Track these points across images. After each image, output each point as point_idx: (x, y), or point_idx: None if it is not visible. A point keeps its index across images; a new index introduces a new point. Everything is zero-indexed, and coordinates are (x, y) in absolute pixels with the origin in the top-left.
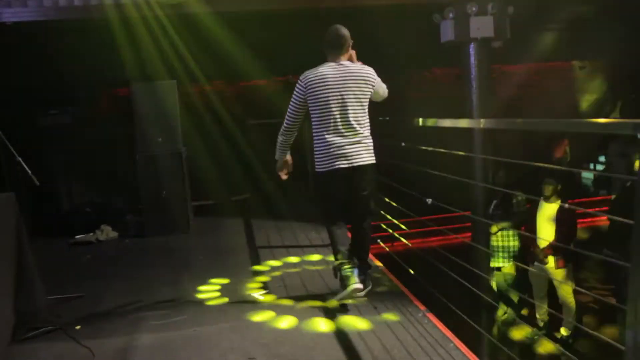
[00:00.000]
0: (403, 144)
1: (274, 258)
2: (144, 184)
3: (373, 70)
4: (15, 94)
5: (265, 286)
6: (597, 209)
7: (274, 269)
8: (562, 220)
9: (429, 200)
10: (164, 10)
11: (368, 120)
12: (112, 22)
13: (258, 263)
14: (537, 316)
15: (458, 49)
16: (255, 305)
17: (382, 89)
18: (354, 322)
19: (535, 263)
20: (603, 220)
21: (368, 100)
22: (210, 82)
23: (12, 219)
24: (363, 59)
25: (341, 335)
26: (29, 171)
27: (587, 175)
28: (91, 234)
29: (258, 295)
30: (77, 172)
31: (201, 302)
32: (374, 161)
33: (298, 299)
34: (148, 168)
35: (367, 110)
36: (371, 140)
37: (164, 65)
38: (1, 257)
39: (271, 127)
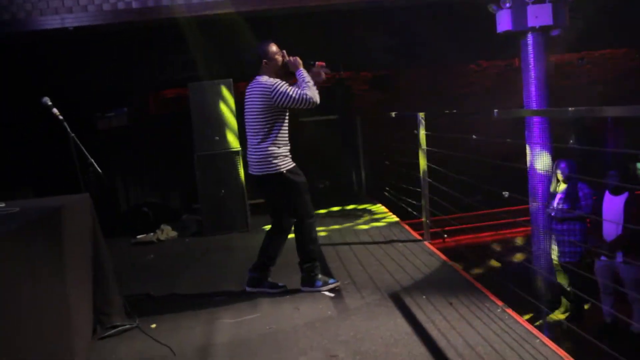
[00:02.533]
0: (474, 136)
1: (337, 255)
2: (202, 183)
3: (274, 84)
4: (75, 98)
5: (334, 283)
6: None
7: (338, 265)
8: (631, 212)
9: (506, 194)
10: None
11: (267, 132)
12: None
13: (322, 259)
14: (603, 312)
15: (507, 40)
16: (327, 301)
17: (286, 99)
18: (432, 318)
19: (602, 257)
20: None
21: (265, 112)
22: None
23: (89, 219)
24: (407, 53)
25: (421, 331)
26: (100, 172)
27: None
28: (152, 233)
29: (328, 292)
30: (134, 173)
31: (272, 299)
32: (270, 172)
33: (368, 294)
34: (206, 167)
35: (265, 122)
36: (267, 152)
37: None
38: (80, 257)
39: (322, 124)
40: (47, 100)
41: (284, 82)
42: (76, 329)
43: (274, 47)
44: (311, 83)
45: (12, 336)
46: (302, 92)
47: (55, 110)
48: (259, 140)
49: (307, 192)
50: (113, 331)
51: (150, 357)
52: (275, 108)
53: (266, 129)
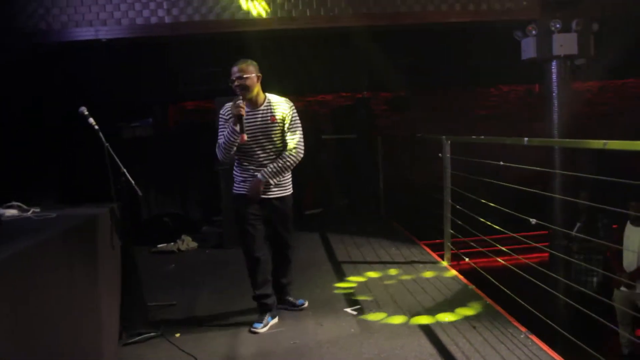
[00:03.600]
0: (501, 162)
1: (358, 274)
2: (225, 196)
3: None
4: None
5: (356, 302)
6: None
7: (360, 284)
8: None
9: (533, 221)
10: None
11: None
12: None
13: (342, 278)
14: (621, 342)
15: (528, 66)
16: (350, 319)
17: None
18: (456, 340)
19: (622, 288)
20: None
21: None
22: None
23: (119, 227)
24: (426, 74)
25: (445, 353)
26: (133, 182)
27: None
28: (172, 243)
29: (351, 310)
30: (156, 183)
31: (295, 314)
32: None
33: (391, 313)
34: (229, 180)
35: None
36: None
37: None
38: (111, 264)
39: (342, 143)
40: (84, 110)
41: (225, 111)
42: (106, 334)
43: (233, 70)
44: (225, 146)
45: (50, 339)
46: (217, 143)
47: (91, 120)
48: None
49: (244, 217)
50: (138, 338)
51: None
52: None
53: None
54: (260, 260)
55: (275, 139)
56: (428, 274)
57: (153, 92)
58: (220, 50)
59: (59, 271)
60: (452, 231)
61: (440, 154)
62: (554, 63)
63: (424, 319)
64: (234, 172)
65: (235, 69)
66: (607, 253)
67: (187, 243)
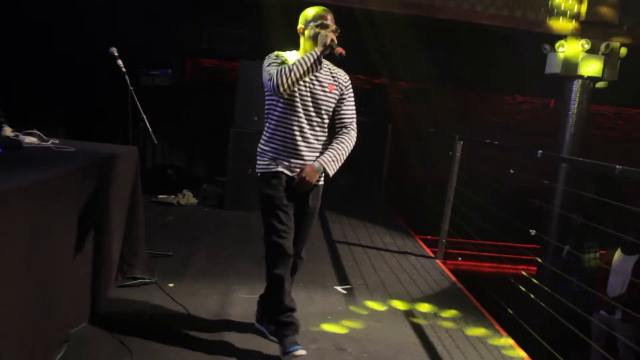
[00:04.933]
0: (512, 171)
1: (351, 255)
2: (232, 158)
3: (267, 57)
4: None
5: (347, 282)
6: None
7: (352, 265)
8: (639, 274)
9: (533, 232)
10: None
11: (265, 120)
12: None
13: (335, 256)
14: None
15: (548, 80)
16: (340, 297)
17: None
18: (439, 334)
19: (602, 311)
20: None
21: (266, 98)
22: None
23: (134, 172)
24: (447, 71)
25: (427, 344)
26: (150, 129)
27: None
28: (173, 196)
29: (341, 289)
30: (165, 134)
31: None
32: (256, 170)
33: (379, 298)
34: (239, 144)
35: (266, 111)
36: (258, 147)
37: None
38: (121, 205)
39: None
40: (114, 51)
41: (279, 56)
42: (104, 272)
43: (311, 13)
44: (297, 66)
45: (55, 263)
46: (272, 70)
47: (119, 61)
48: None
49: (276, 209)
50: (133, 282)
51: (166, 314)
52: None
53: (265, 115)
54: (290, 257)
55: (325, 113)
56: (419, 267)
57: (177, 44)
58: (248, 13)
59: (70, 204)
60: (449, 229)
61: (450, 152)
62: (574, 82)
63: (410, 308)
64: (261, 147)
65: (329, 15)
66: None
67: (187, 198)
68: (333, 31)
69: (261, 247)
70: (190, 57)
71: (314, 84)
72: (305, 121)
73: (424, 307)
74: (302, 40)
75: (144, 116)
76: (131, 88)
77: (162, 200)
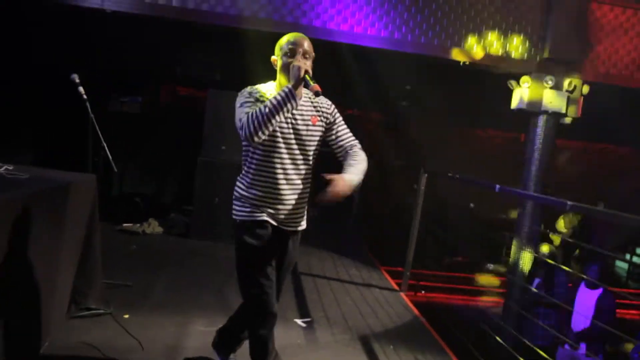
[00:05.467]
0: (472, 205)
1: (314, 287)
2: (199, 187)
3: (241, 92)
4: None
5: (308, 314)
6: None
7: (314, 298)
8: (602, 308)
9: (490, 266)
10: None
11: (243, 160)
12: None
13: (299, 289)
14: None
15: (518, 115)
16: (299, 330)
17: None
18: None
19: (566, 346)
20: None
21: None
22: None
23: (90, 200)
24: (420, 104)
25: None
26: (111, 157)
27: (622, 265)
28: (138, 224)
29: (301, 322)
30: (133, 162)
31: None
32: (233, 216)
33: (339, 332)
34: (206, 173)
35: (244, 152)
36: (236, 190)
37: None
38: (75, 235)
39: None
40: (76, 78)
41: (253, 93)
42: (55, 303)
43: (282, 40)
44: (271, 109)
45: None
46: (243, 115)
47: (81, 88)
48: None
49: (261, 262)
50: (86, 313)
51: (119, 347)
52: None
53: (243, 156)
54: (274, 316)
55: (310, 149)
56: (382, 300)
57: (149, 71)
58: (221, 42)
59: (16, 232)
60: (412, 262)
61: (415, 185)
62: (540, 117)
63: (370, 343)
64: (241, 192)
65: (303, 41)
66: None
67: (153, 227)
68: (306, 59)
69: (225, 279)
70: (164, 84)
71: (295, 119)
72: (290, 162)
73: (384, 341)
74: (277, 72)
75: (104, 144)
76: (92, 115)
77: (127, 228)
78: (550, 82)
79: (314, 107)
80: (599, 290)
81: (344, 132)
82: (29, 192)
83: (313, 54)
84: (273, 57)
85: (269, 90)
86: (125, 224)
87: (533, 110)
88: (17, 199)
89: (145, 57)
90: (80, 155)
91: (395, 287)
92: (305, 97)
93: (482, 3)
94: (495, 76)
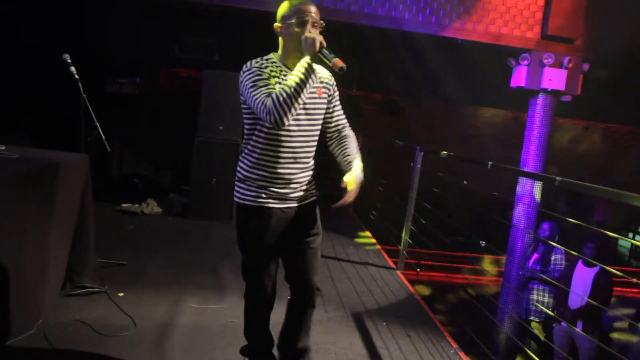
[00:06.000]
0: (465, 182)
1: None
2: (196, 168)
3: (245, 69)
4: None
5: None
6: (630, 279)
7: None
8: (599, 286)
9: (483, 243)
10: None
11: (246, 139)
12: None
13: None
14: None
15: (519, 94)
16: None
17: (245, 96)
18: (388, 345)
19: (563, 323)
20: (634, 292)
21: (243, 109)
22: None
23: (82, 180)
24: (421, 84)
25: (374, 356)
26: (104, 137)
27: (624, 244)
28: (137, 205)
29: None
30: (132, 143)
31: (240, 294)
32: (236, 199)
33: (332, 309)
34: (203, 153)
35: (245, 123)
36: (239, 172)
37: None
38: (67, 214)
39: (324, 135)
40: (67, 58)
41: (262, 69)
42: (50, 281)
43: (286, 6)
44: (297, 89)
45: None
46: (265, 98)
47: (72, 68)
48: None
49: (265, 247)
50: (81, 291)
51: (112, 324)
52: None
53: (246, 134)
54: (269, 304)
55: (317, 121)
56: (378, 278)
57: (147, 52)
58: (219, 22)
59: (7, 210)
60: (410, 241)
61: (411, 163)
62: (540, 95)
63: (363, 320)
64: (244, 174)
65: (311, 7)
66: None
67: (151, 207)
68: (315, 27)
69: (219, 258)
70: (162, 66)
71: None
72: (298, 138)
73: (377, 319)
74: (280, 41)
75: (97, 124)
76: (84, 95)
77: (126, 209)
78: (550, 60)
79: (319, 79)
80: (596, 268)
81: (339, 109)
82: (18, 171)
83: (321, 21)
84: (276, 25)
85: (276, 63)
86: (123, 204)
87: (532, 88)
88: (6, 177)
89: (145, 39)
90: (74, 136)
91: (392, 265)
92: None
93: None
94: (495, 54)
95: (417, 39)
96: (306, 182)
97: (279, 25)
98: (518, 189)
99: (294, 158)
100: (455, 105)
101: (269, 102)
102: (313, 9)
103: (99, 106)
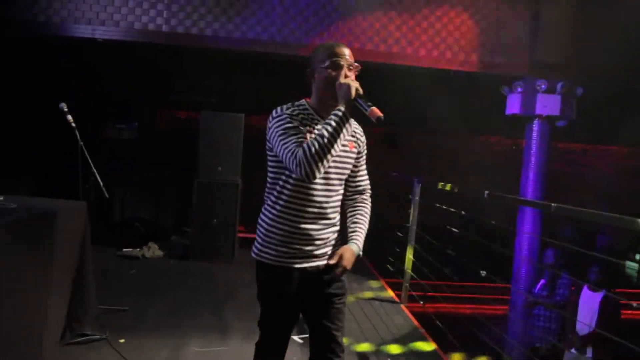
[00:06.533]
0: (463, 212)
1: None
2: (197, 209)
3: (274, 116)
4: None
5: (305, 330)
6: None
7: None
8: (605, 311)
9: (483, 273)
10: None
11: (269, 187)
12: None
13: None
14: None
15: (517, 121)
16: (295, 346)
17: (273, 145)
18: None
19: (572, 350)
20: None
21: (269, 156)
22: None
23: (81, 227)
24: (419, 115)
25: None
26: (102, 183)
27: (632, 266)
28: (138, 249)
29: (298, 338)
30: (133, 187)
31: (244, 335)
32: (253, 254)
33: None
34: (203, 194)
35: (269, 172)
36: (260, 224)
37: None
38: (66, 261)
39: None
40: (64, 107)
41: (292, 116)
42: (49, 330)
43: (319, 50)
44: (330, 140)
45: None
46: (296, 148)
47: (69, 117)
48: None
49: (283, 305)
50: (82, 339)
51: None
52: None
53: (269, 184)
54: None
55: (344, 176)
56: (381, 312)
57: (144, 96)
58: (215, 64)
59: (6, 258)
60: (412, 273)
61: (410, 196)
62: (536, 122)
63: (367, 356)
64: (266, 227)
65: (345, 50)
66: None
67: (152, 250)
68: (350, 70)
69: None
70: (160, 108)
71: None
72: (325, 192)
73: (381, 354)
74: (312, 86)
75: (94, 170)
76: (81, 143)
77: (127, 253)
78: (543, 86)
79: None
80: (602, 293)
81: (364, 169)
82: (16, 219)
83: (356, 63)
84: (309, 70)
85: (308, 110)
86: (125, 249)
87: (527, 114)
88: (3, 226)
89: (141, 83)
90: (73, 183)
91: (396, 298)
92: None
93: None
94: (490, 82)
95: (411, 72)
96: (332, 239)
97: (311, 70)
98: (519, 216)
99: (320, 213)
100: (456, 135)
101: (299, 152)
102: (347, 52)
103: (97, 151)
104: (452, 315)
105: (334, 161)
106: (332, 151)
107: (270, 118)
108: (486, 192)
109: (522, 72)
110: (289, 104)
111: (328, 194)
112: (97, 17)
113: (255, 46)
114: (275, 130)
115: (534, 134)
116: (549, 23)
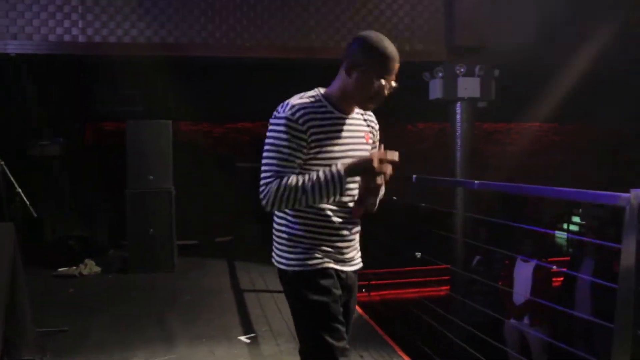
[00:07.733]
0: (394, 197)
1: (258, 303)
2: (131, 220)
3: (277, 114)
4: (6, 123)
5: (252, 330)
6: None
7: (258, 313)
8: (538, 279)
9: (418, 254)
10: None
11: None
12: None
13: (242, 306)
14: None
15: (444, 106)
16: (243, 347)
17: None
18: None
19: (511, 320)
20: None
21: None
22: (199, 122)
23: (10, 249)
24: None
25: None
26: (28, 202)
27: (561, 235)
28: (74, 267)
29: (245, 338)
30: (63, 204)
31: (189, 342)
32: (282, 266)
33: (283, 342)
34: (136, 205)
35: None
36: (280, 231)
37: (157, 104)
38: None
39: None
40: None
41: (297, 129)
42: None
43: (378, 51)
44: (307, 199)
45: None
46: (272, 178)
47: None
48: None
49: (332, 320)
50: None
51: None
52: None
53: None
54: None
55: None
56: None
57: (68, 111)
58: (138, 72)
59: None
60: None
61: None
62: (458, 104)
63: None
64: (289, 231)
65: (397, 65)
66: (500, 283)
67: (89, 267)
68: (387, 85)
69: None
70: (86, 122)
71: (352, 137)
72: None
73: None
74: (342, 75)
75: (19, 190)
76: (1, 163)
77: (63, 273)
78: (462, 70)
79: (365, 121)
80: (534, 262)
81: None
82: None
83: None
84: (348, 58)
85: (321, 102)
86: (60, 269)
87: (449, 98)
88: None
89: (64, 97)
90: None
91: None
92: (356, 110)
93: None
94: (413, 70)
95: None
96: (355, 240)
97: (351, 61)
98: (453, 198)
99: (342, 209)
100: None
101: (272, 186)
102: (397, 67)
103: (22, 171)
104: (397, 301)
105: (351, 156)
106: (305, 203)
107: (274, 114)
108: (414, 176)
109: (442, 58)
110: (298, 100)
111: (350, 185)
112: (7, 31)
113: (176, 50)
114: (270, 139)
115: (458, 117)
116: (463, 9)
